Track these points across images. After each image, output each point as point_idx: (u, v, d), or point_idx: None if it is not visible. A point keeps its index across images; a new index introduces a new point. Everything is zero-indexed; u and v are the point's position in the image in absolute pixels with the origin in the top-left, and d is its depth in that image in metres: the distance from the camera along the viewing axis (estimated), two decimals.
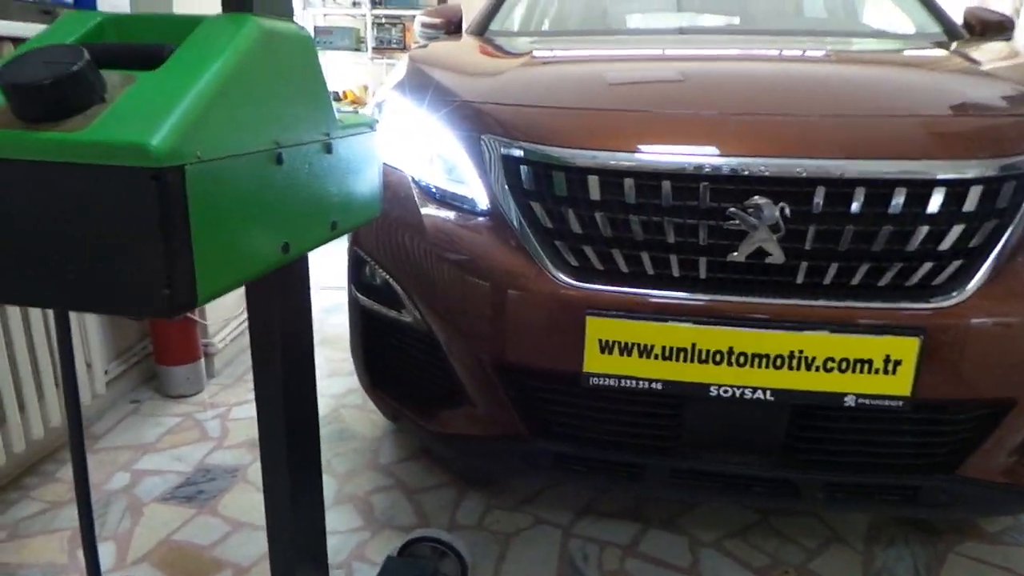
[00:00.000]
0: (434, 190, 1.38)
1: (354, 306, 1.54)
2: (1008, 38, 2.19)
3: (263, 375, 0.95)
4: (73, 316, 1.91)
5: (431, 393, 1.43)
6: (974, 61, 1.50)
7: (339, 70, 5.65)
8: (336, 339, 2.82)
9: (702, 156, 1.14)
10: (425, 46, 2.02)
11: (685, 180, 1.15)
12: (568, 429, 1.30)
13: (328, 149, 0.88)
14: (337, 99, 5.37)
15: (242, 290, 2.66)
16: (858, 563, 1.53)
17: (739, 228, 1.13)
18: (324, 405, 2.24)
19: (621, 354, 1.18)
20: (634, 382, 1.19)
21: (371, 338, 1.53)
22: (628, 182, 1.16)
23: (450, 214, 1.34)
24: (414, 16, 3.52)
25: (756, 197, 1.12)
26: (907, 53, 1.66)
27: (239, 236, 0.72)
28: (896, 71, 1.43)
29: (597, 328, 1.18)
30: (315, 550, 1.08)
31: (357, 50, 5.23)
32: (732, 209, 1.13)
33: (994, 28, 2.19)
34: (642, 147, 1.17)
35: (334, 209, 0.92)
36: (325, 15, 5.36)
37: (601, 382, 1.20)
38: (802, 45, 1.71)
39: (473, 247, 1.29)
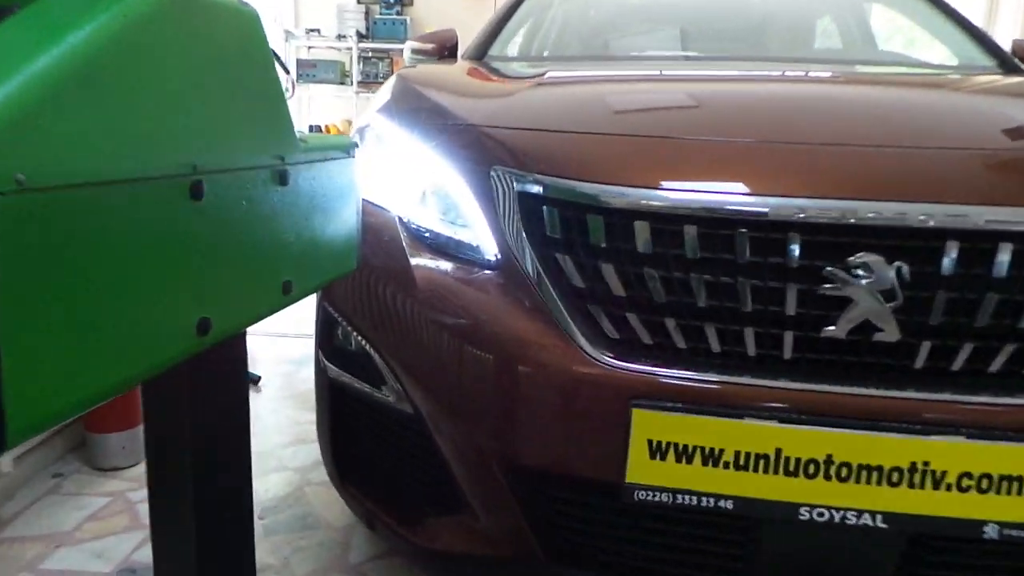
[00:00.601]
0: (428, 235, 1.08)
1: (322, 378, 1.22)
2: None
3: (162, 510, 0.63)
4: None
5: (418, 496, 1.11)
6: None
7: (322, 104, 5.41)
8: (306, 396, 2.48)
9: (790, 198, 0.85)
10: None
11: (768, 229, 0.86)
12: (601, 555, 0.98)
13: (281, 179, 0.58)
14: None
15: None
16: None
17: (840, 294, 0.84)
18: (286, 481, 1.89)
19: (678, 460, 0.87)
20: (694, 498, 0.88)
21: (342, 420, 1.21)
22: (690, 230, 0.87)
23: (448, 266, 1.04)
24: (402, 49, 3.29)
25: (864, 253, 0.83)
26: (993, 81, 1.41)
27: (109, 317, 0.41)
28: (1003, 100, 1.17)
29: (646, 425, 0.87)
30: None
31: (342, 83, 4.99)
32: (831, 269, 0.84)
33: None
34: (709, 185, 0.88)
35: (288, 264, 0.62)
36: (309, 47, 5.13)
37: (650, 497, 0.89)
38: (852, 71, 1.45)
39: (478, 309, 0.99)
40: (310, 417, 2.26)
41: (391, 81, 1.41)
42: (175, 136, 0.48)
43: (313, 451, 2.06)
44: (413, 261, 1.06)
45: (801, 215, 0.85)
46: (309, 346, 2.93)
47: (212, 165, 0.51)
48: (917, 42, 2.31)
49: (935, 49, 2.16)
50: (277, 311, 0.64)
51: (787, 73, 1.40)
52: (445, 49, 2.13)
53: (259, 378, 2.58)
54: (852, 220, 0.84)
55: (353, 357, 1.15)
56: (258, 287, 0.58)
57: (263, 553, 1.58)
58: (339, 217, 0.74)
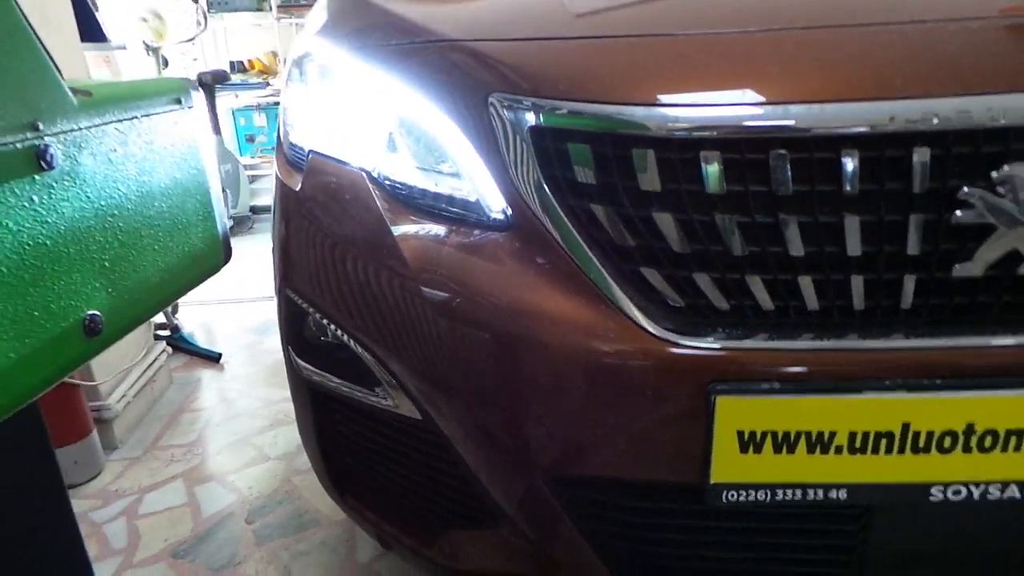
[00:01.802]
0: (410, 192, 0.83)
1: (296, 379, 1.00)
2: None
3: None
4: None
5: (437, 508, 0.91)
6: None
7: (240, 36, 4.89)
8: (276, 369, 2.25)
9: (910, 99, 0.63)
10: None
11: (882, 146, 0.64)
12: (684, 570, 0.80)
13: (41, 161, 0.33)
14: (243, 70, 4.63)
15: (143, 329, 2.06)
16: None
17: (978, 221, 0.64)
18: (270, 474, 1.69)
19: (776, 451, 0.69)
20: (799, 491, 0.70)
21: (330, 427, 0.99)
22: (777, 156, 0.65)
23: (441, 229, 0.80)
24: None
25: (1009, 166, 0.62)
26: None
27: None
28: None
29: (733, 412, 0.68)
30: None
31: (259, 10, 4.47)
32: (968, 189, 0.63)
33: None
34: (799, 93, 0.65)
35: (87, 290, 0.39)
36: None
37: (743, 496, 0.71)
38: None
39: (490, 283, 0.76)
40: (284, 394, 2.04)
41: None
42: None
43: (295, 434, 1.85)
44: (393, 227, 0.82)
45: (925, 121, 0.62)
46: (270, 311, 2.67)
47: None
48: None
49: None
50: (82, 363, 0.42)
51: None
52: None
53: (220, 355, 2.33)
54: (998, 121, 0.62)
55: (332, 353, 0.92)
56: (29, 338, 0.35)
57: (259, 564, 1.40)
58: (179, 200, 0.49)
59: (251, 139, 4.80)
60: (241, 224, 4.09)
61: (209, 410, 2.02)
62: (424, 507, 0.94)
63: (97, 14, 2.62)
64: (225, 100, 4.41)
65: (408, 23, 0.88)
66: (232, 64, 4.69)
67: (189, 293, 2.06)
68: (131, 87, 0.46)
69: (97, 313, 0.44)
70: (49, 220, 0.39)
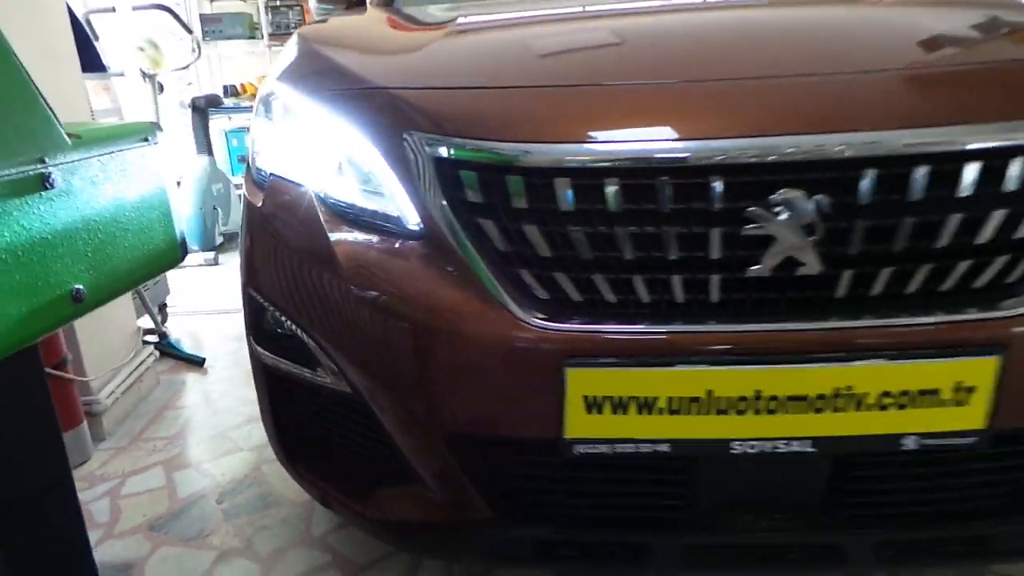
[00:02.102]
0: (347, 209, 1.04)
1: (256, 364, 1.20)
2: None
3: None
4: None
5: (366, 470, 1.11)
6: None
7: (233, 61, 5.13)
8: None
9: (711, 139, 0.84)
10: (323, 21, 1.66)
11: (689, 174, 0.85)
12: (548, 509, 1.00)
13: (46, 183, 0.54)
14: (236, 94, 4.86)
15: (132, 329, 2.25)
16: None
17: (762, 233, 0.85)
18: (242, 463, 1.87)
19: (615, 412, 0.89)
20: (633, 446, 0.90)
21: (282, 404, 1.19)
22: (612, 183, 0.86)
23: (370, 239, 1.01)
24: None
25: (784, 190, 0.84)
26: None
27: None
28: (947, 11, 1.16)
29: (581, 382, 0.88)
30: None
31: (252, 38, 4.72)
32: (753, 209, 0.84)
33: None
34: (628, 134, 0.87)
35: (75, 270, 0.59)
36: (212, 1, 4.82)
37: (590, 450, 0.91)
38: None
39: (404, 281, 0.97)
40: None
41: (292, 41, 1.33)
42: None
43: None
44: (333, 237, 1.03)
45: (721, 157, 0.84)
46: None
47: None
48: None
49: None
50: (69, 321, 0.62)
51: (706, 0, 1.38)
52: None
53: (203, 360, 2.52)
54: (772, 157, 0.84)
55: (284, 341, 1.12)
56: (36, 300, 0.55)
57: (226, 537, 1.58)
58: (145, 211, 0.70)
59: (243, 159, 5.02)
60: (231, 240, 4.28)
61: (191, 408, 2.21)
62: (357, 470, 1.13)
63: (97, 44, 2.84)
64: (218, 122, 4.63)
65: (348, 71, 1.09)
66: (225, 88, 4.93)
67: (179, 304, 2.27)
68: (110, 129, 0.66)
69: (81, 287, 0.63)
70: (50, 223, 0.58)
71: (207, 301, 3.22)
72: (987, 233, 0.85)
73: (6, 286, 0.53)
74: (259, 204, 1.14)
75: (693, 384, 0.87)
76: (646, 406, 0.88)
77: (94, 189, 0.58)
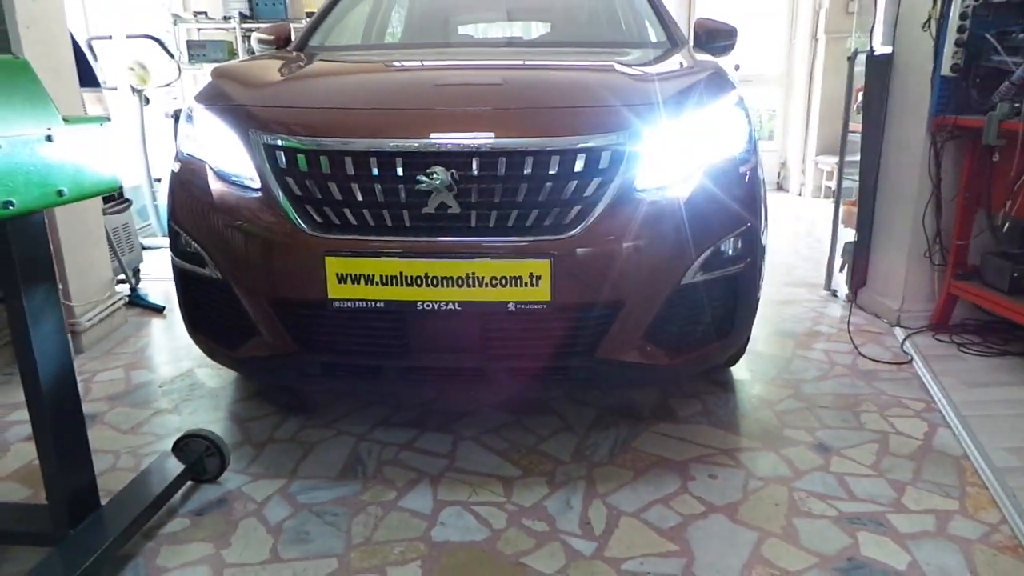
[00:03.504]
0: (224, 173, 1.81)
1: (175, 270, 1.96)
2: (727, 45, 2.79)
3: (10, 297, 1.36)
4: None
5: (233, 330, 1.87)
6: (632, 66, 2.06)
7: None
8: None
9: (396, 140, 1.63)
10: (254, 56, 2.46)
11: (387, 157, 1.63)
12: (328, 344, 1.77)
13: (49, 139, 1.27)
14: None
15: (108, 277, 3.01)
16: (575, 442, 2.06)
17: (427, 188, 1.62)
18: (183, 368, 2.63)
19: (353, 283, 1.65)
20: (364, 303, 1.67)
21: (188, 293, 1.95)
22: (348, 160, 1.64)
23: (236, 191, 1.78)
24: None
25: (436, 167, 1.62)
26: (590, 63, 2.20)
27: None
28: (559, 77, 1.98)
29: (334, 265, 1.65)
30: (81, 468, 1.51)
31: (230, 60, 5.55)
32: (420, 176, 1.62)
33: (720, 36, 2.78)
34: (357, 135, 1.65)
35: (61, 182, 1.31)
36: (199, 29, 5.65)
37: (342, 305, 1.67)
38: (534, 55, 2.24)
39: (250, 215, 1.74)
40: None
41: (209, 75, 2.12)
42: None
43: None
44: (215, 191, 1.80)
45: (402, 148, 1.62)
46: None
47: (5, 132, 1.21)
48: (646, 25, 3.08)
49: (651, 29, 2.95)
50: (58, 205, 1.34)
51: (477, 62, 2.19)
52: (282, 40, 2.81)
53: (164, 308, 3.28)
54: (428, 149, 1.62)
55: (189, 253, 1.88)
56: (41, 191, 1.29)
57: (162, 404, 2.33)
58: (96, 159, 1.41)
59: None
60: None
61: (150, 337, 2.97)
62: (227, 332, 1.89)
63: (96, 64, 3.63)
64: None
65: (227, 95, 1.88)
66: None
67: (151, 274, 3.10)
68: (85, 118, 1.42)
69: (64, 188, 1.38)
70: (51, 156, 1.33)
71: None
72: (543, 196, 1.64)
73: (29, 184, 1.28)
74: (178, 171, 1.92)
75: (393, 268, 1.64)
76: (369, 279, 1.65)
77: (73, 144, 1.33)
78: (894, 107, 2.94)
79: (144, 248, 3.82)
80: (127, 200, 3.50)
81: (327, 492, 1.81)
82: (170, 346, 2.86)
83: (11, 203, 1.22)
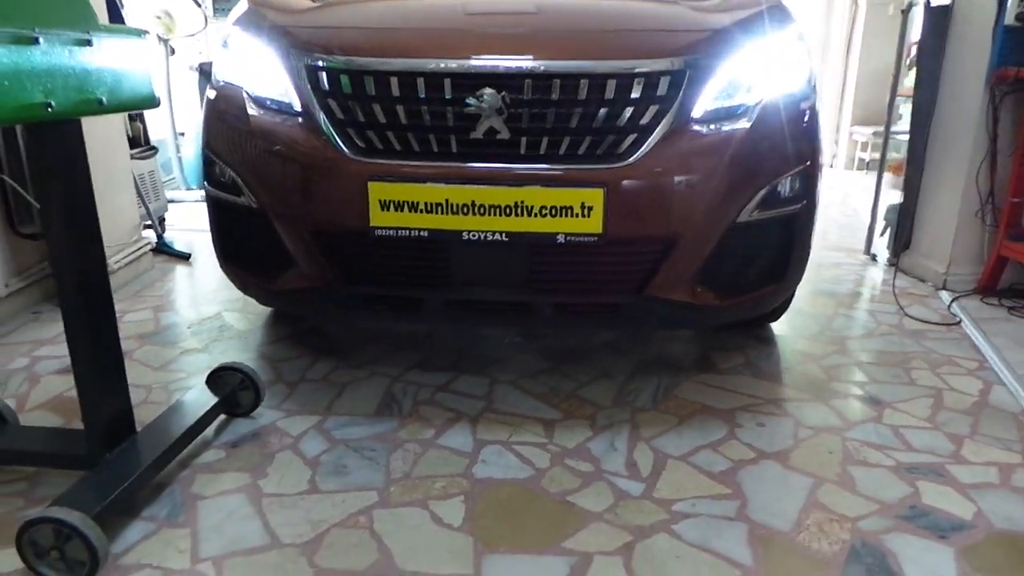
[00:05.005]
0: (263, 99, 1.74)
1: (209, 200, 1.90)
2: None
3: (47, 207, 1.30)
4: None
5: (269, 261, 1.81)
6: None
7: None
8: None
9: (445, 60, 1.55)
10: None
11: (434, 78, 1.55)
12: (368, 275, 1.71)
13: (88, 43, 1.21)
14: None
15: (135, 222, 2.97)
16: (615, 389, 2.00)
17: (475, 112, 1.55)
18: (210, 311, 2.59)
19: (396, 210, 1.59)
20: (407, 231, 1.60)
21: (222, 223, 1.90)
22: (394, 81, 1.57)
23: (275, 116, 1.71)
24: None
25: (485, 89, 1.54)
26: None
27: (3, 89, 1.04)
28: (608, 4, 1.88)
29: (377, 191, 1.58)
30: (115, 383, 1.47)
31: None
32: (470, 99, 1.54)
33: None
34: (404, 55, 1.57)
35: (99, 90, 1.26)
36: None
37: (384, 233, 1.61)
38: None
39: (290, 140, 1.67)
40: None
41: (243, 2, 2.04)
42: (25, 11, 1.13)
43: (232, 294, 2.75)
44: (253, 117, 1.73)
45: (450, 69, 1.54)
46: None
47: (45, 29, 1.15)
48: None
49: None
50: (97, 114, 1.27)
51: None
52: None
53: (189, 255, 3.24)
54: (477, 71, 1.54)
55: (224, 182, 1.82)
56: (80, 96, 1.23)
57: (190, 343, 2.29)
58: (133, 71, 1.36)
59: None
60: None
61: (177, 282, 2.93)
62: (262, 263, 1.83)
63: (123, 11, 3.56)
64: None
65: (267, 17, 1.80)
66: None
67: (176, 224, 3.06)
68: (123, 28, 1.35)
69: (103, 97, 1.32)
70: (89, 59, 1.27)
71: (201, 223, 3.94)
72: (597, 123, 1.56)
73: (67, 88, 1.21)
74: (214, 98, 1.85)
75: (439, 195, 1.57)
76: (413, 207, 1.58)
77: (111, 52, 1.27)
78: (951, 60, 2.82)
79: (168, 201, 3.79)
80: (153, 147, 3.45)
81: (363, 429, 1.76)
82: (197, 291, 2.82)
83: (50, 105, 1.16)
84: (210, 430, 1.74)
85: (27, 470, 1.56)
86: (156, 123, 4.17)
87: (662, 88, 1.58)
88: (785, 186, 1.73)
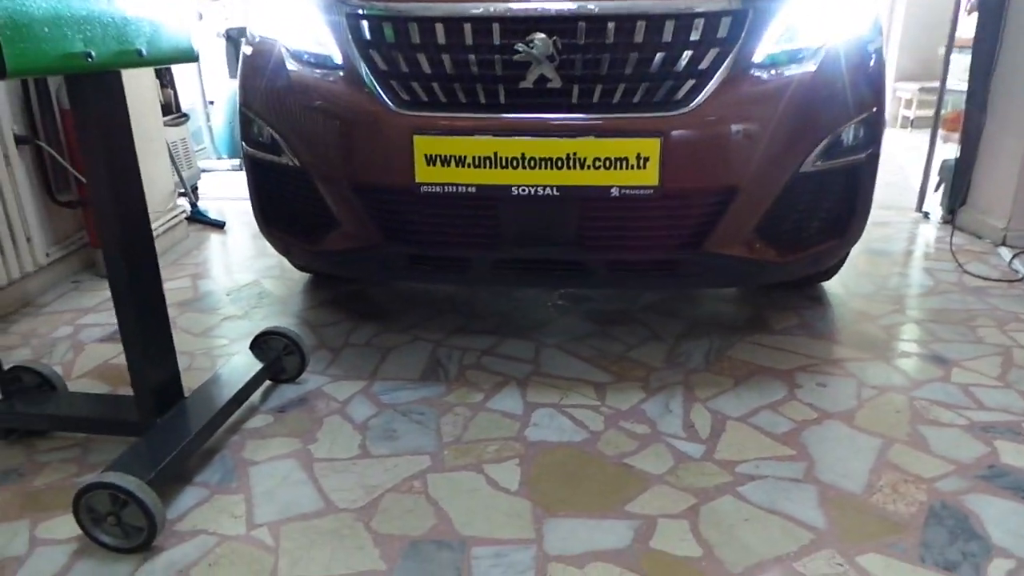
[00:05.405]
0: (302, 52, 1.68)
1: (247, 160, 1.85)
2: None
3: (91, 163, 1.26)
4: (10, 197, 2.18)
5: (311, 223, 1.77)
6: None
7: None
8: None
9: (492, 3, 1.47)
10: None
11: (481, 23, 1.48)
12: (414, 234, 1.65)
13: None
14: None
15: (169, 190, 2.94)
16: (666, 350, 1.93)
17: (525, 60, 1.47)
18: (247, 278, 2.56)
19: (442, 165, 1.53)
20: (454, 188, 1.54)
21: (261, 185, 1.85)
22: (439, 28, 1.49)
23: (314, 70, 1.65)
24: None
25: (536, 34, 1.46)
26: None
27: (43, 36, 1.00)
28: None
29: (423, 145, 1.52)
30: (164, 355, 1.44)
31: None
32: (519, 45, 1.47)
33: None
34: None
35: (139, 40, 1.21)
36: None
37: (430, 190, 1.55)
38: None
39: (331, 94, 1.61)
40: (265, 244, 2.92)
41: None
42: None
43: (269, 261, 2.72)
44: (293, 72, 1.67)
45: (498, 13, 1.46)
46: None
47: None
48: None
49: None
50: (137, 66, 1.23)
51: None
52: None
53: (224, 223, 3.22)
54: (526, 15, 1.46)
55: (263, 141, 1.77)
56: (120, 47, 1.18)
57: (229, 310, 2.27)
58: (173, 23, 1.31)
59: None
60: None
61: (212, 250, 2.91)
62: (303, 224, 1.79)
63: None
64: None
65: None
66: None
67: (209, 193, 3.02)
68: None
69: (143, 49, 1.27)
70: (127, 10, 1.21)
71: (233, 192, 3.92)
72: (654, 68, 1.47)
73: (107, 38, 1.15)
74: (250, 54, 1.79)
75: (487, 148, 1.50)
76: (460, 161, 1.52)
77: (152, 2, 1.22)
78: (1017, 3, 2.65)
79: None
80: (185, 114, 3.41)
81: (411, 393, 1.72)
82: (233, 259, 2.80)
83: (90, 55, 1.11)
84: (257, 395, 1.71)
85: (78, 436, 1.54)
86: (185, 92, 4.13)
87: (722, 30, 1.49)
88: (849, 134, 1.63)
